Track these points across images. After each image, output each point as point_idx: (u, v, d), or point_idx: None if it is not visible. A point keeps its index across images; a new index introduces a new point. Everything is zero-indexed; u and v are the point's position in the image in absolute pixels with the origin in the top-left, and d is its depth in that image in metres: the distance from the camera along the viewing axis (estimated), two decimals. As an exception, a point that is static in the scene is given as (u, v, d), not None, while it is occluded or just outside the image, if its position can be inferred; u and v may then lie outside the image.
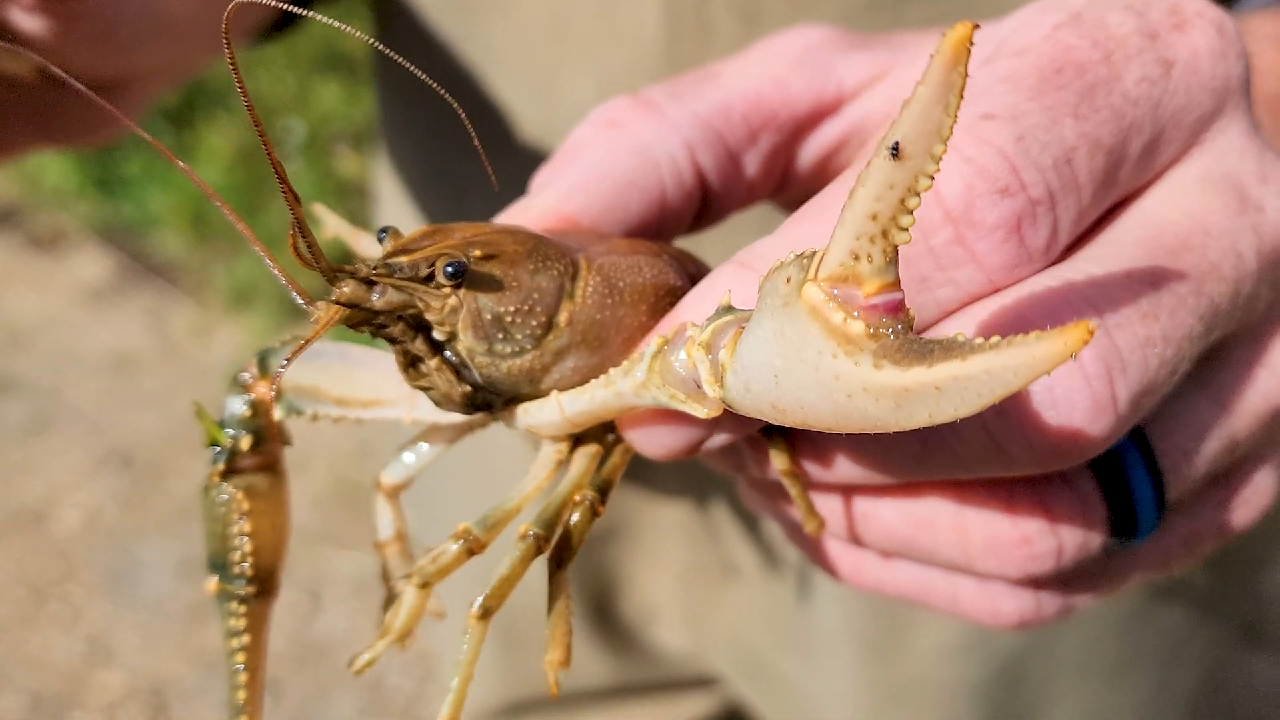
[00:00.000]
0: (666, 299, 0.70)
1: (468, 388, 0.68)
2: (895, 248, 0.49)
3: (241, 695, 0.77)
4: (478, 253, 0.66)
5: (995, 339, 0.46)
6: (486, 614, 0.66)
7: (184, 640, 3.44)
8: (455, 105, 0.70)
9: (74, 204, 4.88)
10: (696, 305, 0.65)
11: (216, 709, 3.25)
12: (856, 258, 0.49)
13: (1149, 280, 0.61)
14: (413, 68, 0.69)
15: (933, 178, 0.47)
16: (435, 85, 0.68)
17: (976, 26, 0.45)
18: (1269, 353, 0.71)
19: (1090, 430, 0.60)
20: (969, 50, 0.45)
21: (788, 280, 0.52)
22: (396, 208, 1.48)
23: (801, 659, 1.44)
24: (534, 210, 0.74)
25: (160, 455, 3.99)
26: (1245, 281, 0.65)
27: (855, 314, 0.49)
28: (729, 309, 0.59)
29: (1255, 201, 0.66)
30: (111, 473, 3.93)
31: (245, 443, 0.76)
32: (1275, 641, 3.21)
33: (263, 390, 0.75)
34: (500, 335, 0.66)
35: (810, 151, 0.80)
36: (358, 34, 0.69)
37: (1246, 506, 0.77)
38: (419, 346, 0.67)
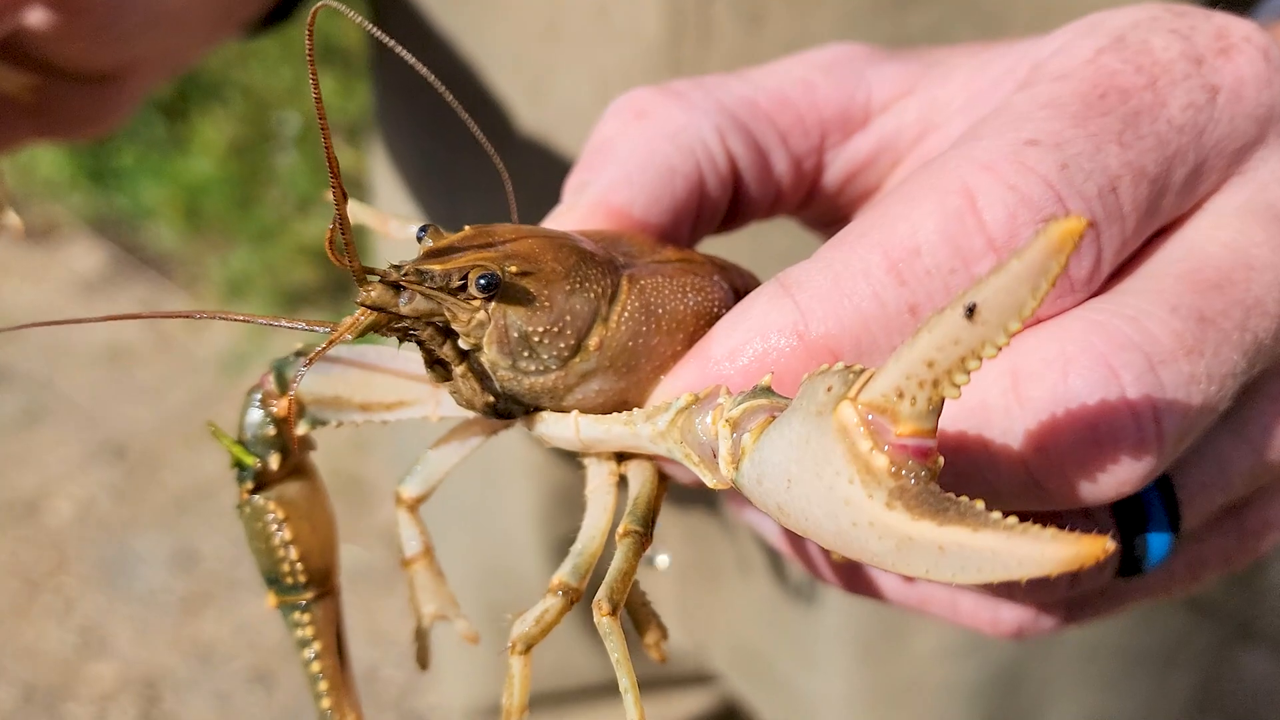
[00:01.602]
0: (706, 327, 0.67)
1: (490, 397, 0.67)
2: (942, 400, 0.48)
3: (326, 702, 0.77)
4: (514, 268, 0.64)
5: (1012, 520, 0.45)
6: (615, 609, 0.63)
7: (177, 632, 3.44)
8: (453, 100, 0.68)
9: (67, 196, 4.87)
10: (728, 335, 0.63)
11: (209, 700, 3.25)
12: (901, 395, 0.48)
13: (1194, 316, 0.60)
14: (414, 61, 0.68)
15: (1000, 349, 0.46)
16: (434, 79, 0.67)
17: (1092, 225, 0.44)
18: None
19: (1132, 469, 0.58)
20: (1076, 245, 0.43)
21: (828, 389, 0.50)
22: (392, 200, 1.49)
23: (799, 659, 1.44)
24: (582, 208, 0.72)
25: (154, 447, 3.98)
26: None
27: (884, 447, 0.48)
28: (767, 391, 0.57)
29: None
30: (105, 464, 3.93)
31: (274, 461, 0.74)
32: (1269, 638, 3.23)
33: (283, 406, 0.73)
34: (526, 353, 0.65)
35: (839, 165, 0.78)
36: (358, 18, 0.69)
37: (1257, 539, 0.76)
38: (446, 352, 0.66)
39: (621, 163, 0.72)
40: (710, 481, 0.60)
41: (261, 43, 4.60)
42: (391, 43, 0.68)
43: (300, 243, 4.41)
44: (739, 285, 0.72)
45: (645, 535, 0.66)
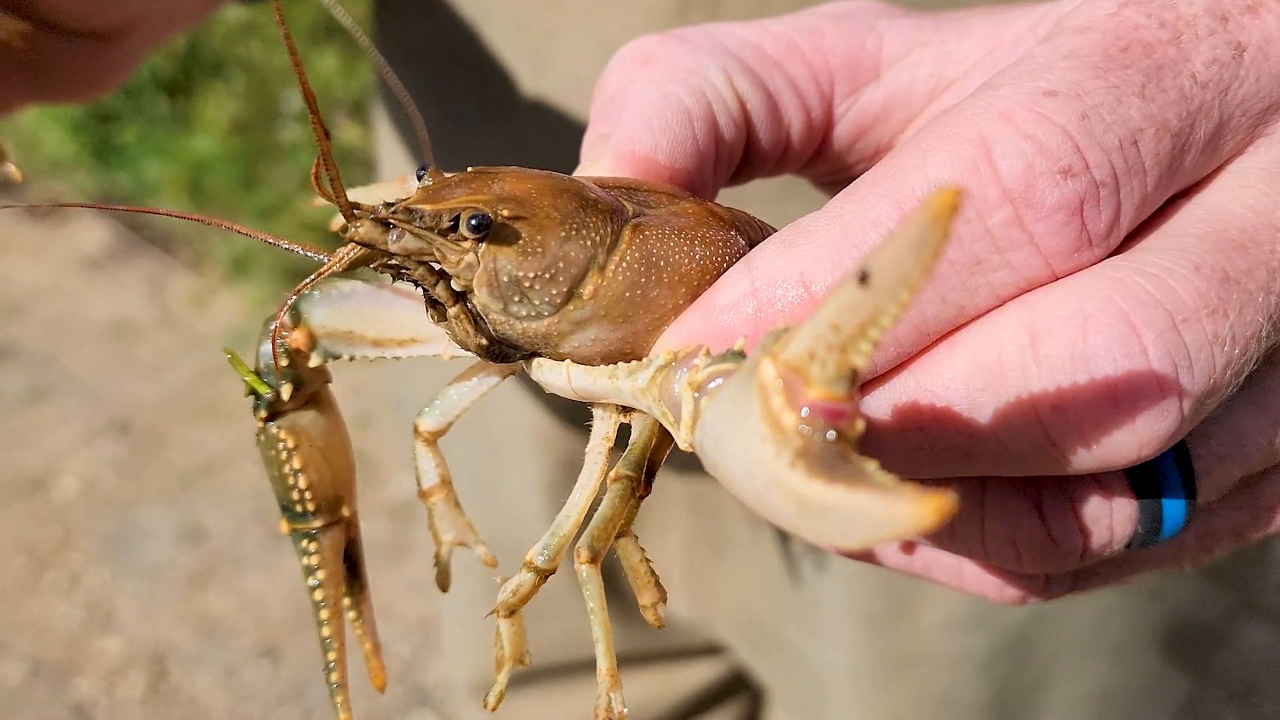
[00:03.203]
0: (712, 282, 0.65)
1: (483, 339, 0.66)
2: (853, 369, 0.47)
3: (327, 630, 0.79)
4: (507, 210, 0.63)
5: (889, 479, 0.43)
6: (595, 558, 0.63)
7: (183, 607, 3.45)
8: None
9: (71, 174, 4.87)
10: (733, 285, 0.61)
11: (216, 675, 3.27)
12: (812, 357, 0.47)
13: (1217, 275, 0.58)
14: None
15: (895, 318, 0.45)
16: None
17: (963, 193, 0.42)
18: None
19: (1152, 432, 0.57)
20: (954, 213, 0.42)
21: (764, 347, 0.49)
22: (397, 174, 1.48)
23: (805, 630, 1.44)
24: (606, 161, 0.70)
25: (158, 423, 3.99)
26: None
27: (797, 408, 0.47)
28: (738, 355, 0.56)
29: None
30: (110, 441, 3.94)
31: (285, 390, 0.75)
32: (1271, 611, 3.24)
33: (297, 339, 0.74)
34: (517, 298, 0.64)
35: (849, 119, 0.77)
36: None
37: (1271, 514, 0.74)
38: (440, 292, 0.65)
39: (638, 110, 0.70)
40: (681, 440, 0.59)
41: (263, 20, 4.58)
42: None
43: (304, 220, 4.41)
44: (757, 241, 0.69)
45: (637, 481, 0.64)
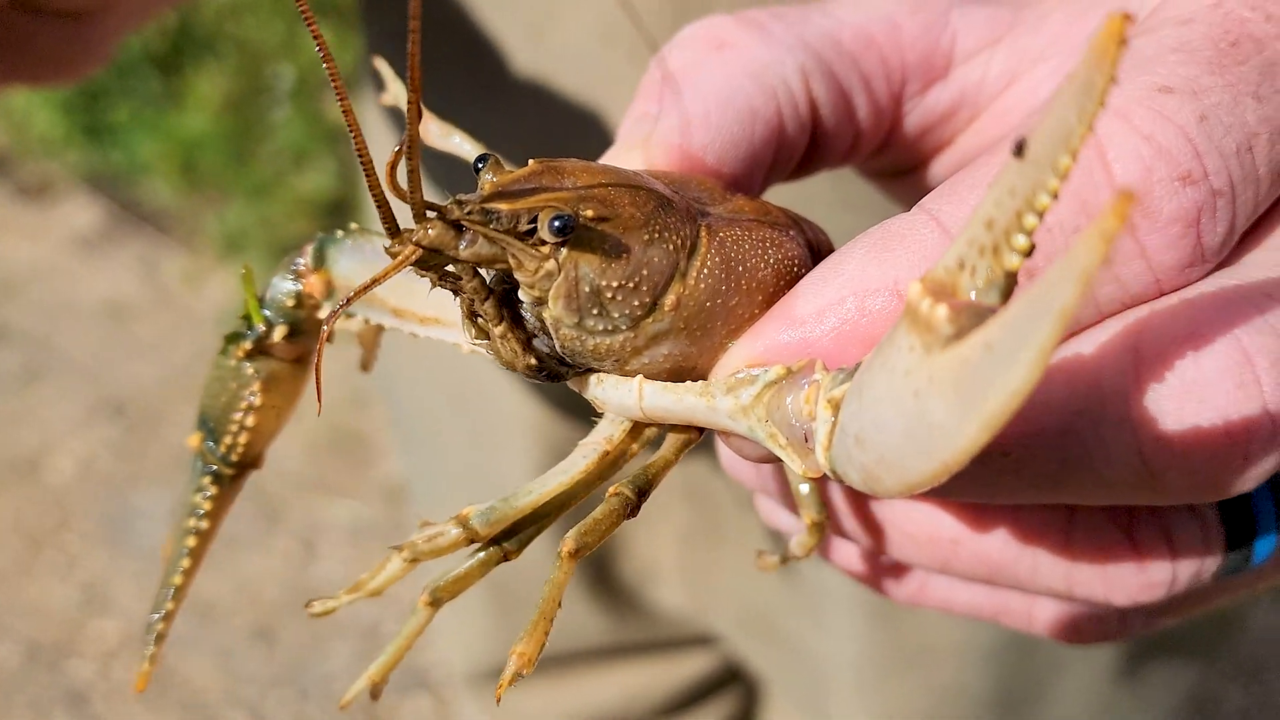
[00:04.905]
0: (786, 288, 0.59)
1: (533, 360, 0.60)
2: (1007, 274, 0.43)
3: (178, 579, 0.75)
4: (590, 211, 0.56)
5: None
6: (436, 603, 0.61)
7: (180, 589, 3.44)
8: None
9: (62, 152, 4.83)
10: (817, 293, 0.56)
11: (211, 657, 3.26)
12: (962, 266, 0.44)
13: None
14: None
15: (1055, 195, 0.41)
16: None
17: (1130, 18, 0.38)
18: None
19: (1261, 466, 0.53)
20: (1122, 46, 0.38)
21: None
22: (386, 153, 1.45)
23: (806, 620, 1.42)
24: (654, 147, 0.64)
25: (154, 403, 3.98)
26: None
27: (947, 303, 0.43)
28: None
29: None
30: (105, 421, 3.92)
31: (279, 332, 0.69)
32: (1278, 591, 3.24)
33: (313, 284, 0.68)
34: (595, 311, 0.57)
35: (915, 117, 0.72)
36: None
37: None
38: (486, 309, 0.59)
39: (700, 99, 0.64)
40: (798, 467, 0.54)
41: (255, -5, 4.55)
42: None
43: (296, 197, 4.38)
44: (814, 241, 0.65)
45: (634, 504, 0.59)
